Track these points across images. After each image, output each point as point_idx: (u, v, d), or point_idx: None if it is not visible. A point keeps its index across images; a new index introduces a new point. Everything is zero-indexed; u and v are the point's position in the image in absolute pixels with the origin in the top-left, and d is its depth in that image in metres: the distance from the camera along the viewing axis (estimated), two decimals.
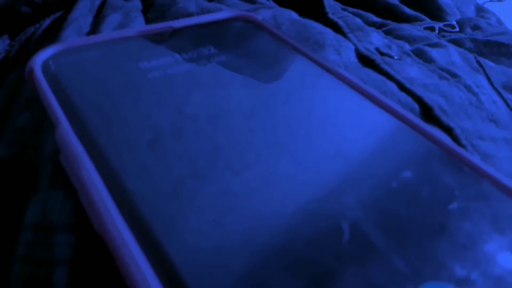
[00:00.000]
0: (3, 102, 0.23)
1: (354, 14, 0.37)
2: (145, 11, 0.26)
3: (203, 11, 0.25)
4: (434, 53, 0.26)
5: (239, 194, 0.13)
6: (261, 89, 0.18)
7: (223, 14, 0.22)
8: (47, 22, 0.27)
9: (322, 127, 0.16)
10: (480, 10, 0.45)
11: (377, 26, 0.36)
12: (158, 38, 0.19)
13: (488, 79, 0.26)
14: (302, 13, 0.33)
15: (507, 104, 0.24)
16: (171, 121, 0.15)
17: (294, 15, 0.27)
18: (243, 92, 0.17)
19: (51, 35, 0.25)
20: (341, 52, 0.23)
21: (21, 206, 0.16)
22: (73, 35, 0.23)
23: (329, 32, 0.25)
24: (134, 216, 0.12)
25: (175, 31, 0.20)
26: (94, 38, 0.19)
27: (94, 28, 0.24)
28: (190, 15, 0.25)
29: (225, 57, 0.19)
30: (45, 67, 0.17)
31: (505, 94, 0.25)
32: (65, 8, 0.28)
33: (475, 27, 0.36)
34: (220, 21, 0.22)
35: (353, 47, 0.25)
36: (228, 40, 0.20)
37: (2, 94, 0.23)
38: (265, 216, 0.12)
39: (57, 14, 0.27)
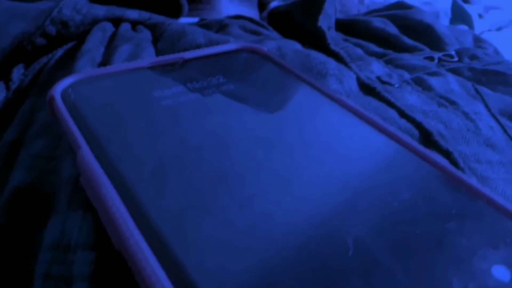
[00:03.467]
0: (17, 130, 0.24)
1: (355, 44, 0.39)
2: (154, 42, 0.28)
3: (211, 43, 0.26)
4: (433, 81, 0.27)
5: (256, 217, 0.13)
6: (269, 116, 0.19)
7: (231, 45, 0.23)
8: (59, 52, 0.28)
9: (329, 152, 0.17)
10: (477, 40, 0.47)
11: (378, 56, 0.37)
12: (170, 68, 0.21)
13: (486, 105, 0.27)
14: (305, 44, 0.34)
15: (504, 130, 0.25)
16: (185, 145, 0.16)
17: (297, 46, 0.29)
18: (253, 119, 0.18)
19: (64, 65, 0.26)
20: (343, 81, 0.25)
21: (40, 229, 0.17)
22: (87, 65, 0.24)
23: (331, 62, 0.26)
24: (153, 234, 0.12)
25: (186, 62, 0.21)
26: (109, 69, 0.20)
27: (106, 58, 0.25)
28: (198, 46, 0.26)
29: (234, 86, 0.20)
30: (64, 95, 0.18)
31: (502, 120, 0.26)
32: (77, 39, 0.29)
33: (473, 57, 0.37)
34: (228, 52, 0.23)
35: (354, 76, 0.26)
36: (236, 70, 0.21)
37: (17, 122, 0.24)
38: (282, 242, 0.13)
39: (69, 45, 0.29)
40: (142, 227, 0.12)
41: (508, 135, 0.25)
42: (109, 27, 0.29)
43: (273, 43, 0.27)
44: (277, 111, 0.19)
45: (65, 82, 0.18)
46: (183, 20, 0.36)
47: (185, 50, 0.25)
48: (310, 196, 0.15)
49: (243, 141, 0.17)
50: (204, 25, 0.33)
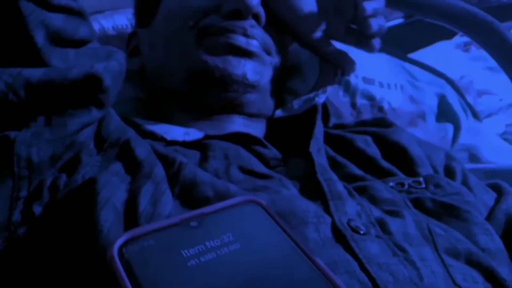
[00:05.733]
0: None
1: (340, 164, 0.47)
2: (170, 184, 0.35)
3: (217, 194, 0.34)
4: (393, 226, 0.34)
5: None
6: (259, 271, 0.26)
7: (239, 199, 0.31)
8: (79, 180, 0.36)
9: None
10: (449, 158, 0.54)
11: (358, 178, 0.45)
12: (194, 225, 0.28)
13: (435, 246, 0.34)
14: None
15: (447, 270, 0.32)
16: None
17: (287, 193, 0.36)
18: (252, 273, 0.26)
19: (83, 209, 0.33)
20: (320, 229, 0.32)
21: None
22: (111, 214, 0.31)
23: (311, 209, 0.34)
24: None
25: (205, 215, 0.29)
26: (150, 227, 0.27)
27: (132, 196, 0.33)
28: (207, 198, 0.34)
29: (239, 243, 0.27)
30: (120, 254, 0.25)
31: (448, 260, 0.33)
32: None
33: (437, 185, 0.45)
34: (235, 205, 0.30)
35: (329, 220, 0.33)
36: (242, 224, 0.29)
37: None
38: None
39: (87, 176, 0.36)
40: None
41: (450, 274, 0.32)
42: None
43: (266, 195, 0.35)
44: (265, 266, 0.26)
45: (120, 241, 0.26)
46: (192, 134, 0.45)
47: (197, 200, 0.33)
48: None
49: None
50: (207, 156, 0.42)
